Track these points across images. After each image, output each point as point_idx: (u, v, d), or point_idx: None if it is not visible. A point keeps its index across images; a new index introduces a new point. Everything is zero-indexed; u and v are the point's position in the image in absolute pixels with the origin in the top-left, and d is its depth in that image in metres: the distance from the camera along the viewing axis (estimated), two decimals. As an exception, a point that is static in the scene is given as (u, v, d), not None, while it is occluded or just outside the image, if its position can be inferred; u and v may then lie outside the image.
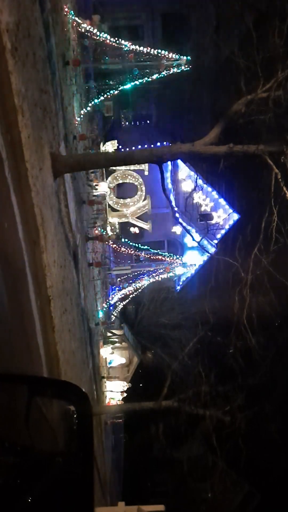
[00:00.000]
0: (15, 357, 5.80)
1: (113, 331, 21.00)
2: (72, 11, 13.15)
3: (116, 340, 20.95)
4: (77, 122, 13.74)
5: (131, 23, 23.79)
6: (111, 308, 21.56)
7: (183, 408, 12.73)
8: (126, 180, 22.47)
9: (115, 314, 22.73)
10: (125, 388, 20.46)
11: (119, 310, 23.22)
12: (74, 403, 2.45)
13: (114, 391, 19.90)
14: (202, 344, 16.06)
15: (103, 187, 19.22)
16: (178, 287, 27.59)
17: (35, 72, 7.71)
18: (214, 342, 17.09)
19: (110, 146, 19.26)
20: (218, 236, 25.35)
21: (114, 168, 20.01)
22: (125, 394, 20.45)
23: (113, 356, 20.79)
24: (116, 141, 20.33)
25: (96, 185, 18.45)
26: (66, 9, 12.21)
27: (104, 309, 19.71)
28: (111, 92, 14.45)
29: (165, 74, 13.10)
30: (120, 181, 22.41)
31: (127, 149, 21.61)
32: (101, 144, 19.18)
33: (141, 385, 23.43)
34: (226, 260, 12.34)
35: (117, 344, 20.71)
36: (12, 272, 6.17)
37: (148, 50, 12.96)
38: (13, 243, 6.30)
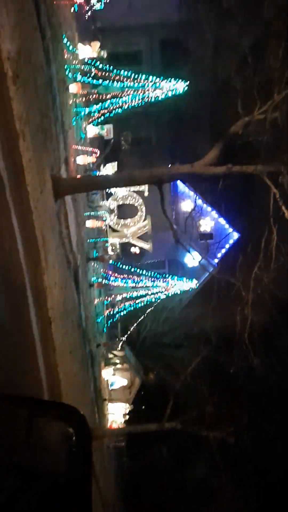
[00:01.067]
0: (15, 379, 5.78)
1: (115, 352, 20.86)
2: (71, 38, 13.48)
3: (118, 361, 20.78)
4: (77, 145, 13.95)
5: (130, 49, 24.36)
6: (112, 329, 21.47)
7: (187, 430, 12.57)
8: (126, 201, 22.64)
9: (116, 335, 22.62)
10: (127, 411, 20.20)
11: (120, 331, 23.12)
12: (73, 426, 2.49)
13: (116, 414, 19.65)
14: (205, 363, 15.96)
15: (103, 208, 19.34)
16: (180, 307, 27.49)
17: (36, 97, 7.89)
18: (217, 362, 16.98)
19: (110, 168, 19.49)
20: (219, 255, 25.43)
21: (114, 189, 20.20)
22: (127, 417, 20.19)
23: (114, 377, 20.60)
24: (116, 163, 20.57)
25: (97, 206, 18.58)
26: (66, 36, 12.54)
27: (105, 331, 19.63)
28: (111, 115, 14.72)
29: (164, 98, 13.36)
30: (120, 202, 22.60)
31: (127, 170, 21.86)
32: (102, 166, 19.42)
33: (143, 406, 23.14)
34: (227, 279, 12.37)
35: (118, 366, 20.54)
36: (13, 294, 6.20)
37: (147, 75, 13.24)
38: (14, 265, 6.34)
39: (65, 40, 12.32)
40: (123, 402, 20.85)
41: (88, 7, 15.67)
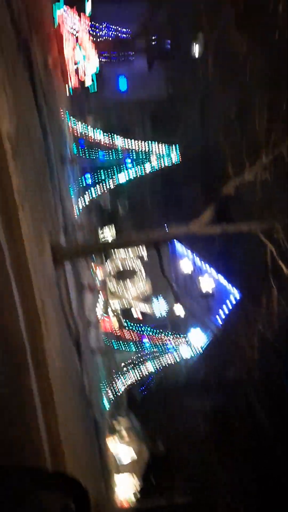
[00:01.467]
0: (16, 451, 5.55)
1: (120, 420, 20.08)
2: (68, 115, 14.34)
3: (124, 432, 19.96)
4: (76, 214, 14.37)
5: (122, 121, 25.86)
6: (116, 397, 20.83)
7: (199, 501, 11.82)
8: (125, 264, 22.89)
9: (121, 404, 21.89)
10: (136, 484, 19.08)
11: (125, 398, 22.40)
12: (74, 499, 2.35)
13: (124, 486, 18.55)
14: (214, 429, 15.34)
15: (103, 273, 19.52)
16: (185, 369, 26.82)
17: (35, 171, 8.26)
18: (227, 427, 16.32)
19: (108, 233, 19.94)
20: (221, 313, 25.21)
21: (113, 253, 20.50)
22: (136, 490, 19.03)
23: (121, 447, 19.67)
24: (113, 226, 21.07)
25: (96, 271, 18.77)
26: (63, 114, 13.34)
27: (110, 399, 19.04)
28: (107, 184, 15.33)
29: (157, 165, 13.99)
30: (120, 266, 22.83)
31: (124, 234, 22.32)
32: (100, 232, 19.88)
33: (152, 478, 21.88)
34: (231, 338, 12.24)
35: (124, 434, 19.69)
36: (13, 364, 6.10)
37: (140, 144, 13.95)
38: (14, 332, 6.30)
39: (61, 117, 13.10)
40: (131, 473, 19.75)
41: (82, 87, 16.82)
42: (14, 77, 7.54)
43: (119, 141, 14.60)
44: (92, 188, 17.34)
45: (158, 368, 21.65)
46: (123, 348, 21.58)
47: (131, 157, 14.48)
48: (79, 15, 13.89)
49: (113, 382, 20.60)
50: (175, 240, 15.97)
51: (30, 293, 6.91)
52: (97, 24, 17.72)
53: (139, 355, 21.41)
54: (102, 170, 15.06)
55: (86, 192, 17.28)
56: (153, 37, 17.30)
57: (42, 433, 6.98)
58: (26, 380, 6.59)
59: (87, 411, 12.44)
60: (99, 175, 15.27)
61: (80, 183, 15.68)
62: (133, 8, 20.34)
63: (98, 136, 14.88)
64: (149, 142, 15.09)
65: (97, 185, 16.26)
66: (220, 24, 12.07)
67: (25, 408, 6.42)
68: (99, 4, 17.51)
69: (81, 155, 14.25)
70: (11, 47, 7.63)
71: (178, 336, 21.80)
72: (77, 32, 13.56)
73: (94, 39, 14.94)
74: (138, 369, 20.85)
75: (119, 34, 18.52)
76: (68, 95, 15.64)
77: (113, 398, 20.44)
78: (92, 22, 14.76)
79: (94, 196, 17.53)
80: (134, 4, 20.04)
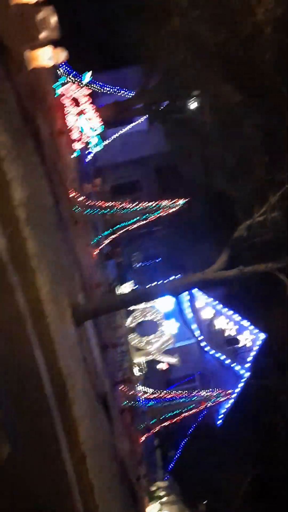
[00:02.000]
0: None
1: (158, 483, 19.11)
2: (75, 179, 14.89)
3: (163, 493, 18.92)
4: (92, 272, 14.52)
5: (129, 180, 26.72)
6: (149, 457, 19.96)
7: None
8: (146, 317, 22.71)
9: (156, 463, 20.93)
10: None
11: (158, 457, 21.43)
12: None
13: None
14: (256, 486, 14.45)
15: (124, 328, 19.35)
16: (219, 422, 25.76)
17: (49, 234, 8.47)
18: (268, 482, 15.39)
19: (126, 288, 19.98)
20: (249, 359, 24.51)
21: (132, 307, 20.42)
22: None
23: (162, 514, 18.55)
24: (131, 282, 21.15)
25: (117, 327, 18.63)
26: (71, 177, 13.87)
27: (143, 459, 18.24)
28: (119, 239, 15.62)
29: (165, 216, 14.28)
30: (140, 319, 22.65)
31: (142, 287, 22.28)
32: (117, 287, 19.94)
33: None
34: (262, 383, 11.83)
35: (164, 499, 18.64)
36: (42, 433, 5.96)
37: (147, 201, 14.34)
38: (41, 401, 6.20)
39: (69, 180, 13.59)
40: None
41: (87, 152, 17.57)
42: (23, 148, 7.94)
43: (127, 197, 15.04)
44: (105, 244, 17.65)
45: (189, 423, 20.83)
46: (151, 404, 20.94)
47: (140, 211, 14.82)
48: (79, 84, 14.78)
49: (145, 442, 19.80)
50: (194, 287, 15.93)
51: (54, 358, 6.86)
52: (96, 91, 18.79)
53: (168, 409, 20.71)
54: (113, 226, 15.39)
55: (100, 249, 17.56)
56: (149, 98, 18.21)
57: (77, 503, 6.68)
58: (57, 448, 6.40)
59: (122, 474, 11.91)
60: (111, 231, 15.59)
61: (94, 240, 16.00)
62: (129, 74, 21.64)
63: (107, 194, 15.37)
64: (156, 194, 15.50)
65: (110, 241, 16.55)
66: (213, 79, 12.72)
67: (59, 478, 6.19)
68: (98, 73, 18.67)
69: (92, 213, 14.65)
70: (18, 121, 8.09)
71: (207, 387, 21.12)
72: (78, 101, 14.36)
73: (95, 104, 15.76)
74: (168, 425, 20.10)
75: (118, 98, 19.54)
76: (74, 160, 16.33)
77: (147, 458, 19.56)
78: (92, 89, 15.65)
79: (108, 251, 17.80)
80: (130, 71, 21.32)
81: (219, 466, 23.12)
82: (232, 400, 23.32)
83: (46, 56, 10.93)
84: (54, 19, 11.00)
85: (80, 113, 14.34)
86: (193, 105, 19.35)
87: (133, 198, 14.61)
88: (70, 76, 16.34)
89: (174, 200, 14.12)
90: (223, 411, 25.26)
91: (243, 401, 20.87)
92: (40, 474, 5.43)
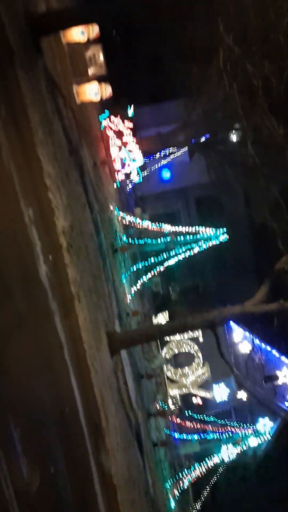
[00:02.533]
0: None
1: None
2: (117, 208, 15.16)
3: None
4: (129, 300, 14.55)
5: (168, 210, 26.98)
6: (182, 495, 19.22)
7: None
8: (181, 349, 22.36)
9: (189, 502, 20.11)
10: None
11: (192, 496, 20.60)
12: None
13: None
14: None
15: (159, 359, 19.08)
16: (256, 461, 24.59)
17: (88, 262, 8.59)
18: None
19: (162, 318, 19.84)
20: (288, 397, 23.48)
21: (168, 338, 20.20)
22: None
23: None
24: (167, 311, 20.99)
25: (153, 357, 18.41)
26: (112, 208, 14.14)
27: (175, 496, 17.58)
28: (157, 269, 15.61)
29: (205, 248, 14.20)
30: (176, 351, 22.31)
31: (179, 318, 22.04)
32: (153, 317, 19.83)
33: None
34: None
35: None
36: (75, 460, 5.88)
37: (187, 229, 14.34)
38: (75, 428, 6.14)
39: (110, 210, 13.85)
40: None
41: (128, 182, 17.93)
42: (67, 178, 8.19)
43: (167, 227, 15.10)
44: (143, 274, 17.70)
45: (224, 460, 20.00)
46: (185, 439, 20.33)
47: (180, 241, 14.84)
48: (123, 119, 15.26)
49: (178, 478, 19.14)
50: (231, 321, 15.61)
51: (89, 386, 6.83)
52: (139, 124, 19.31)
53: (203, 446, 20.02)
54: (152, 256, 15.46)
55: (138, 278, 17.61)
56: (191, 131, 18.50)
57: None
58: (89, 479, 6.28)
59: (153, 511, 11.49)
60: (149, 261, 15.65)
61: (132, 269, 16.09)
62: (172, 107, 22.16)
63: (146, 224, 15.51)
64: (196, 225, 15.53)
65: (148, 271, 16.59)
66: (255, 111, 12.80)
67: (91, 509, 6.04)
68: (141, 107, 19.23)
69: (131, 243, 14.80)
70: (64, 152, 8.39)
71: (243, 424, 20.35)
72: (121, 133, 14.79)
73: (138, 137, 16.17)
74: (203, 462, 19.38)
75: (160, 131, 19.98)
76: (115, 189, 16.69)
77: (178, 496, 18.84)
78: (135, 123, 16.12)
79: (145, 281, 17.81)
80: (173, 104, 21.86)
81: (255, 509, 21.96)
82: (268, 439, 22.30)
83: (92, 91, 11.43)
84: (101, 57, 11.56)
85: (123, 145, 14.73)
86: (235, 137, 19.49)
87: (173, 228, 14.69)
88: (115, 110, 16.90)
89: (215, 231, 14.07)
90: (258, 449, 24.15)
91: (282, 441, 19.92)
92: (74, 507, 5.31)
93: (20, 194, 5.68)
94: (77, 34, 10.40)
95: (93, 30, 10.52)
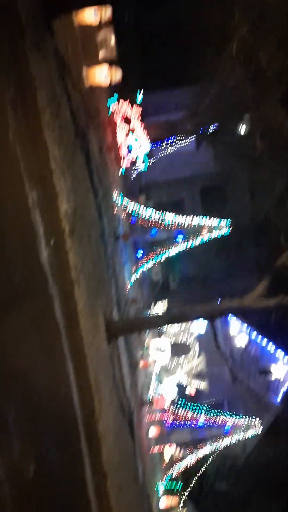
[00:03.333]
0: None
1: (178, 510, 18.57)
2: (121, 194, 15.07)
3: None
4: (128, 288, 14.55)
5: (173, 199, 26.80)
6: (172, 483, 19.48)
7: None
8: (178, 338, 22.43)
9: (177, 490, 20.37)
10: None
11: (181, 484, 20.86)
12: None
13: None
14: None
15: (155, 348, 19.15)
16: (246, 452, 24.87)
17: (90, 248, 8.56)
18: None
19: (160, 307, 19.86)
20: (282, 390, 23.64)
21: (166, 327, 20.24)
22: None
23: None
24: (166, 301, 21.00)
25: (149, 346, 18.48)
26: (116, 194, 14.05)
27: (165, 483, 17.81)
28: (158, 258, 15.58)
29: (208, 238, 14.15)
30: (173, 340, 22.39)
31: (177, 308, 22.08)
32: (152, 305, 19.85)
33: None
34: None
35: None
36: (67, 444, 5.93)
37: (190, 220, 14.26)
38: (68, 412, 6.18)
39: (114, 197, 13.76)
40: None
41: (134, 169, 17.79)
42: (72, 162, 8.11)
43: (170, 216, 15.03)
44: (144, 263, 17.66)
45: (215, 450, 20.21)
46: (177, 428, 20.52)
47: (182, 231, 14.78)
48: (131, 104, 15.07)
49: (167, 466, 19.38)
50: (230, 314, 15.63)
51: (85, 372, 6.85)
52: (147, 111, 19.08)
53: (194, 435, 20.20)
54: (153, 245, 15.41)
55: (139, 267, 17.58)
56: (200, 120, 18.29)
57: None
58: (79, 463, 6.34)
59: (142, 497, 11.64)
60: (151, 250, 15.61)
61: (133, 258, 16.05)
62: (181, 95, 21.86)
63: (149, 212, 15.44)
64: (200, 216, 15.44)
65: (149, 259, 16.56)
66: (266, 103, 12.65)
67: (78, 495, 6.10)
68: (150, 93, 18.99)
69: (133, 231, 14.75)
70: (70, 135, 8.30)
71: (235, 416, 20.50)
72: (129, 119, 14.63)
73: (145, 124, 15.99)
74: (193, 451, 19.58)
75: (168, 118, 19.75)
76: (120, 176, 16.56)
77: (167, 484, 19.10)
78: (143, 109, 15.93)
79: (146, 270, 17.78)
80: (182, 91, 21.56)
81: (243, 502, 22.25)
82: (260, 431, 22.51)
83: (102, 75, 11.28)
84: (113, 40, 11.39)
85: (130, 131, 14.57)
86: (243, 128, 19.28)
87: (176, 218, 14.61)
88: (124, 95, 16.69)
89: (217, 222, 14.00)
90: (250, 444, 24.41)
91: (273, 435, 20.10)
92: (64, 490, 5.36)
93: (24, 176, 5.62)
94: (90, 15, 10.24)
95: (106, 12, 10.35)
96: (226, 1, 13.58)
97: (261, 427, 21.08)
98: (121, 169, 15.81)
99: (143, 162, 15.01)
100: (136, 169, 18.11)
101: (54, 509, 5.00)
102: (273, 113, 12.51)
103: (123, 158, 14.98)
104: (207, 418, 18.05)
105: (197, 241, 14.36)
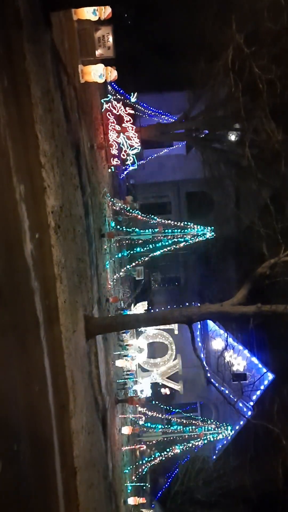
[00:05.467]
0: None
1: (144, 511, 18.65)
2: (108, 194, 15.09)
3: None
4: (110, 286, 14.58)
5: (159, 201, 27.00)
6: (139, 482, 19.56)
7: None
8: (156, 339, 22.55)
9: (146, 489, 20.46)
10: None
11: (149, 484, 20.97)
12: None
13: None
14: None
15: (133, 347, 19.21)
16: (214, 456, 25.16)
17: (74, 244, 8.58)
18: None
19: (140, 307, 19.93)
20: (254, 397, 23.98)
21: (144, 328, 20.33)
22: None
23: None
24: (146, 302, 21.09)
25: (127, 345, 18.52)
26: (103, 192, 14.07)
27: (133, 481, 17.87)
28: (142, 258, 15.65)
29: (191, 242, 14.27)
30: (151, 341, 22.49)
31: (157, 309, 22.20)
32: (132, 305, 19.91)
33: None
34: (264, 425, 11.53)
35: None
36: (39, 439, 5.94)
37: (175, 223, 14.37)
38: (42, 407, 6.20)
39: (102, 195, 13.77)
40: None
41: (123, 168, 17.82)
42: (62, 158, 8.12)
43: (156, 218, 15.13)
44: (127, 261, 17.72)
45: (184, 451, 20.37)
46: (150, 426, 20.63)
47: (167, 233, 14.89)
48: (124, 104, 15.13)
49: (137, 464, 19.45)
50: (209, 318, 15.79)
51: (62, 367, 6.88)
52: (140, 111, 19.16)
53: (165, 435, 20.32)
54: (138, 245, 15.48)
55: (122, 265, 17.63)
56: (191, 125, 18.45)
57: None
58: (50, 458, 6.37)
59: (110, 496, 11.69)
60: (135, 249, 15.68)
61: (117, 256, 16.09)
62: (175, 99, 22.03)
63: (135, 213, 15.52)
64: (185, 220, 15.57)
65: (133, 259, 16.62)
66: (256, 114, 12.85)
67: (47, 490, 6.13)
68: (144, 95, 19.07)
69: (119, 229, 14.79)
70: (62, 131, 8.31)
71: (206, 419, 20.68)
72: (122, 119, 14.67)
73: (137, 125, 16.07)
74: (164, 451, 19.69)
75: (160, 121, 19.87)
76: (109, 174, 16.58)
77: (136, 481, 19.17)
78: (136, 110, 16.02)
79: (129, 269, 17.84)
80: (176, 96, 21.73)
81: (210, 503, 22.48)
82: (230, 437, 22.79)
83: (98, 73, 11.29)
84: (111, 39, 11.39)
85: (122, 130, 14.61)
86: (233, 136, 19.50)
87: (162, 220, 14.70)
88: (118, 94, 16.73)
89: (202, 228, 14.14)
90: (220, 446, 24.68)
91: (243, 440, 20.35)
92: (32, 485, 5.38)
93: (13, 169, 5.63)
94: (89, 12, 10.24)
95: (106, 11, 10.35)
96: (224, 9, 13.74)
97: (231, 432, 21.32)
98: (110, 168, 15.83)
99: (133, 162, 15.06)
100: (125, 169, 18.16)
101: (21, 503, 5.02)
102: (263, 124, 12.70)
103: (113, 157, 15.01)
104: (179, 419, 18.17)
105: (181, 244, 14.47)
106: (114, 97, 15.03)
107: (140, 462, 18.42)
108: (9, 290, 5.23)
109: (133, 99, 15.87)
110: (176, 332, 22.87)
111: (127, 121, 14.01)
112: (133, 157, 14.81)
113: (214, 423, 19.71)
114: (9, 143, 5.54)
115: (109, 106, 13.91)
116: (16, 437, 5.07)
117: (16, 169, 5.67)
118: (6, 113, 5.52)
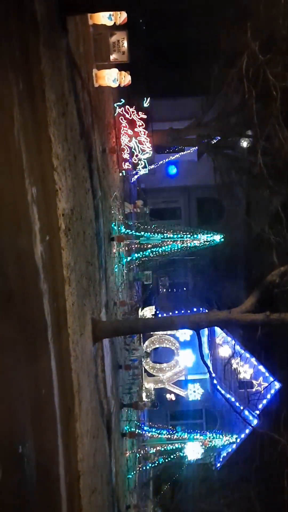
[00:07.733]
0: None
1: (146, 516, 18.53)
2: (118, 197, 15.14)
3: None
4: (118, 290, 14.59)
5: (170, 206, 27.02)
6: (143, 487, 19.46)
7: None
8: (162, 344, 22.50)
9: (148, 496, 20.35)
10: None
11: (152, 490, 20.85)
12: None
13: None
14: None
15: (140, 352, 19.19)
16: (219, 464, 24.95)
17: (84, 247, 8.60)
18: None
19: (148, 312, 19.94)
20: (260, 406, 23.78)
21: (151, 333, 20.31)
22: None
23: None
24: (154, 306, 21.10)
25: (134, 349, 18.50)
26: (114, 197, 14.11)
27: (136, 486, 17.79)
28: (151, 263, 15.67)
29: (201, 248, 14.25)
30: (157, 346, 22.45)
31: (165, 314, 22.17)
32: (140, 309, 19.91)
33: None
34: (270, 434, 11.43)
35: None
36: (43, 442, 5.93)
37: (185, 228, 14.36)
38: (48, 410, 6.19)
39: (112, 199, 13.82)
40: None
41: (134, 173, 17.86)
42: (75, 162, 8.16)
43: (166, 224, 15.16)
44: (136, 266, 17.76)
45: (188, 458, 20.25)
46: (154, 433, 20.56)
47: (176, 239, 14.88)
48: (137, 109, 15.17)
49: (141, 470, 19.36)
50: (217, 325, 15.72)
51: (68, 370, 6.88)
52: (153, 117, 19.18)
53: (170, 441, 20.24)
54: (147, 249, 15.50)
55: (131, 269, 17.66)
56: (204, 131, 18.46)
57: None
58: (54, 462, 6.35)
59: (113, 501, 11.63)
60: (144, 254, 15.69)
61: (126, 260, 16.13)
62: (188, 105, 22.07)
63: (146, 217, 15.56)
64: (195, 225, 15.57)
65: (141, 263, 16.66)
66: (270, 122, 12.81)
67: (51, 495, 6.11)
68: (157, 100, 19.10)
69: (128, 233, 14.81)
70: (75, 135, 8.35)
71: (212, 425, 20.58)
72: (134, 124, 14.71)
73: (149, 130, 16.11)
74: (168, 458, 19.61)
75: (173, 127, 19.89)
76: (120, 178, 16.64)
77: (140, 489, 19.08)
78: (149, 115, 16.05)
79: (137, 273, 17.88)
80: (189, 101, 21.77)
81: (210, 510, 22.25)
82: (234, 445, 22.60)
83: (112, 77, 11.35)
84: (125, 44, 11.46)
85: (134, 135, 14.64)
86: (245, 143, 19.46)
87: (172, 224, 14.73)
88: (131, 98, 16.75)
89: (212, 234, 14.11)
90: (224, 454, 24.47)
91: (248, 449, 20.16)
92: (36, 489, 5.37)
93: (26, 171, 5.65)
94: (104, 17, 10.30)
95: (121, 16, 10.42)
96: (240, 16, 13.75)
97: (236, 441, 21.16)
98: (121, 172, 15.89)
99: (144, 167, 15.09)
100: (136, 173, 18.20)
101: (24, 506, 5.01)
102: (275, 132, 12.66)
103: (125, 162, 15.05)
104: (184, 426, 18.09)
105: (189, 250, 14.46)
106: (127, 102, 15.06)
107: (144, 468, 18.32)
108: (18, 292, 5.24)
109: (146, 104, 15.92)
110: (183, 337, 22.81)
111: (139, 126, 14.04)
112: (144, 162, 14.83)
113: (218, 431, 19.59)
114: (23, 145, 5.57)
115: (122, 111, 13.96)
116: (21, 439, 5.07)
117: (28, 172, 5.70)
118: (20, 115, 5.56)
